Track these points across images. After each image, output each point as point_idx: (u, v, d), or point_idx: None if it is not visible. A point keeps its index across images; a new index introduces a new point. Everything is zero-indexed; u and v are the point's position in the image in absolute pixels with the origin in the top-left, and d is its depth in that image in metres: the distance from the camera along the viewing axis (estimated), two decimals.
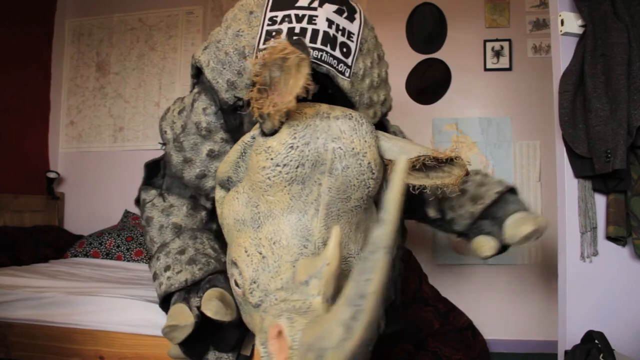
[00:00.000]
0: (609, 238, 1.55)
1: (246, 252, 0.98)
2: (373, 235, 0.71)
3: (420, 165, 1.05)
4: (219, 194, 1.19)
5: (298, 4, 1.21)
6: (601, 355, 1.29)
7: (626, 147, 1.41)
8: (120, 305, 1.57)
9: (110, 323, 1.56)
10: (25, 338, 1.62)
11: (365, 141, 1.02)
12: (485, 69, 2.79)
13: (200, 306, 1.11)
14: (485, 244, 1.34)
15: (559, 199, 1.62)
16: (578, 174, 1.56)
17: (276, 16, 1.20)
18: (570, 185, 1.58)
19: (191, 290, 1.17)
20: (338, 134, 1.00)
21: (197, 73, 1.34)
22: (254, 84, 0.94)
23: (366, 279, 0.68)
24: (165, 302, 1.24)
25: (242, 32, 1.21)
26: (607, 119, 1.44)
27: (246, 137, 1.09)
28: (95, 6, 3.26)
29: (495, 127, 2.76)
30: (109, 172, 3.14)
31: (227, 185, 1.16)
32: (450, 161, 1.05)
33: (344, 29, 1.23)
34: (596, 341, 1.35)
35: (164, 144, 1.35)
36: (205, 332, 1.16)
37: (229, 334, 1.20)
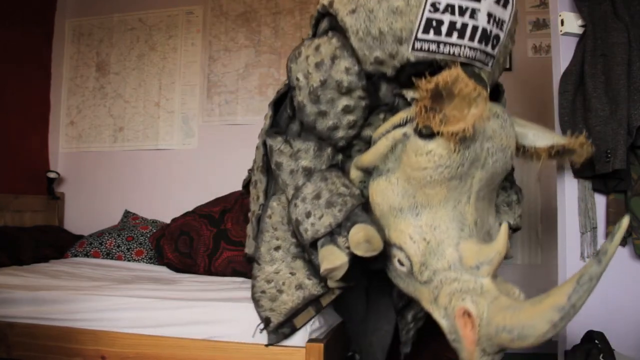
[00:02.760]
0: None
1: (411, 239, 1.16)
2: (590, 270, 0.92)
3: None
4: (355, 174, 1.35)
5: None
6: (601, 355, 1.29)
7: (626, 147, 1.41)
8: (121, 304, 1.58)
9: (112, 323, 1.56)
10: (27, 338, 1.62)
11: (510, 136, 1.19)
12: None
13: (349, 246, 1.19)
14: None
15: (559, 199, 1.62)
16: (578, 174, 1.57)
17: (439, 3, 1.15)
18: (570, 185, 1.58)
19: (334, 231, 1.23)
20: (491, 133, 1.14)
21: (323, 15, 1.34)
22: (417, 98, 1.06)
23: (578, 302, 0.92)
24: (310, 246, 1.32)
25: (399, 10, 1.16)
26: (607, 119, 1.44)
27: (397, 134, 1.19)
28: (95, 6, 3.26)
29: None
30: (109, 172, 3.13)
31: (368, 170, 1.29)
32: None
33: (499, 20, 1.21)
34: (596, 341, 1.35)
35: (288, 85, 1.39)
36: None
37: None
